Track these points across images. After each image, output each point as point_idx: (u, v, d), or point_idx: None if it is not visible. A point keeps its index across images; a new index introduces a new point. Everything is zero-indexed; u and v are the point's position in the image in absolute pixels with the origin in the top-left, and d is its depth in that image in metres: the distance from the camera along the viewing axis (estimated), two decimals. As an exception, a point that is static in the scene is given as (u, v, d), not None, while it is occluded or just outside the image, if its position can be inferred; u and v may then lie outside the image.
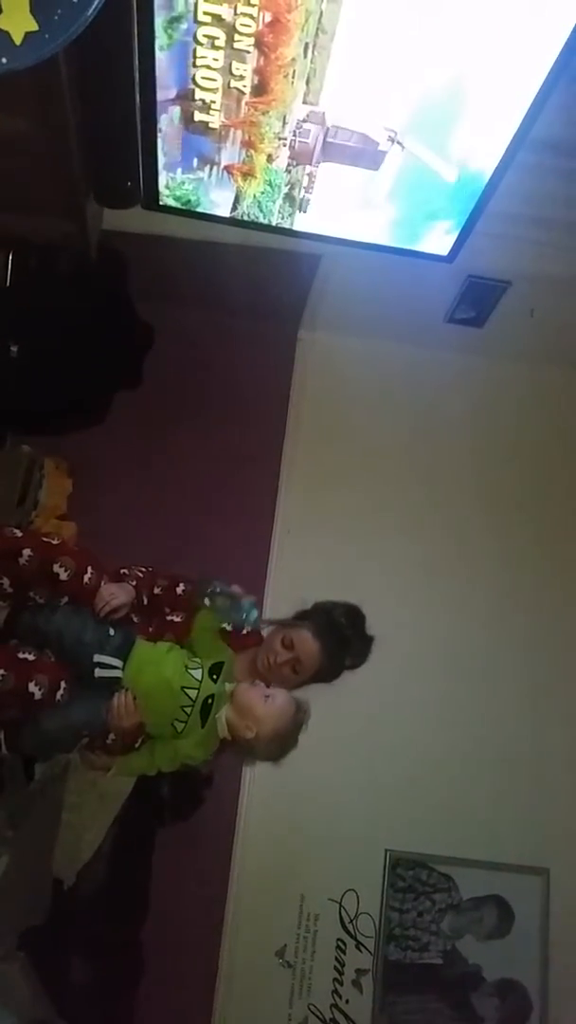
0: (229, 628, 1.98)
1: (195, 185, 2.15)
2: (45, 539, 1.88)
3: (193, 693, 1.81)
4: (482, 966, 3.11)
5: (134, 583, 1.92)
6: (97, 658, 1.80)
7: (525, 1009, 3.08)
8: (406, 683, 3.20)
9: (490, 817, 3.19)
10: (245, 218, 2.27)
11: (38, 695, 1.69)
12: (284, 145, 2.02)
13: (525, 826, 3.20)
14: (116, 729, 1.80)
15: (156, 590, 1.97)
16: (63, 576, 1.81)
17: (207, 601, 1.90)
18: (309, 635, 1.97)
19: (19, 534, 1.88)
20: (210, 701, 1.81)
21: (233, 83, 1.84)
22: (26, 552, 1.79)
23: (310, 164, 2.08)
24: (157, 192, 2.15)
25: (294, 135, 1.99)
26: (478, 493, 3.50)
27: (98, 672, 1.80)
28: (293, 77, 1.82)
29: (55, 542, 1.88)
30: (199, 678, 1.83)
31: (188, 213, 2.24)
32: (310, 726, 1.89)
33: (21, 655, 1.73)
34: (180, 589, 2.00)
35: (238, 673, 1.94)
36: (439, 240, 2.38)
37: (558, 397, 3.62)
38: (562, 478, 3.56)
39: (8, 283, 2.43)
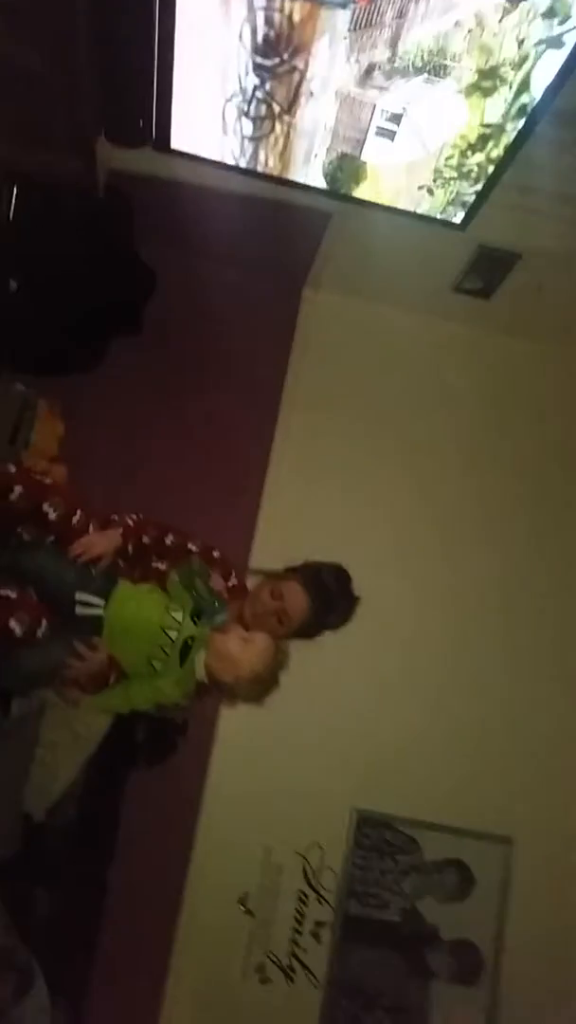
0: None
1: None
2: (37, 478, 1.89)
3: (173, 634, 1.83)
4: (439, 926, 3.19)
5: (121, 530, 1.92)
6: (79, 596, 1.82)
7: (477, 968, 3.16)
8: (384, 646, 3.23)
9: (459, 783, 3.24)
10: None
11: (18, 632, 1.71)
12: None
13: (493, 795, 3.25)
14: (83, 673, 1.82)
15: (144, 539, 1.98)
16: (52, 516, 1.82)
17: (191, 582, 1.91)
18: (299, 587, 1.99)
19: (12, 470, 1.88)
20: (190, 642, 1.83)
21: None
22: (17, 489, 1.80)
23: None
24: (169, 133, 2.12)
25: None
26: (474, 465, 3.50)
27: (79, 610, 1.82)
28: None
29: (47, 481, 1.89)
30: (180, 619, 1.85)
31: (199, 158, 2.21)
32: (287, 682, 1.91)
33: (2, 592, 1.74)
34: (169, 540, 2.01)
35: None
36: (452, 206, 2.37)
37: (559, 374, 3.60)
38: (559, 453, 3.56)
39: (11, 217, 2.39)
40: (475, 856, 3.23)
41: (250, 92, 2.10)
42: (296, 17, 1.90)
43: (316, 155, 2.32)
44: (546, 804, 3.27)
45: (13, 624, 1.70)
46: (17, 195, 2.32)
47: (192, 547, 2.02)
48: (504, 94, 2.07)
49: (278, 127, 2.22)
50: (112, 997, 2.78)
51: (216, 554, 2.08)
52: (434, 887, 3.22)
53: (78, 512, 1.87)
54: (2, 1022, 2.06)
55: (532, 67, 1.97)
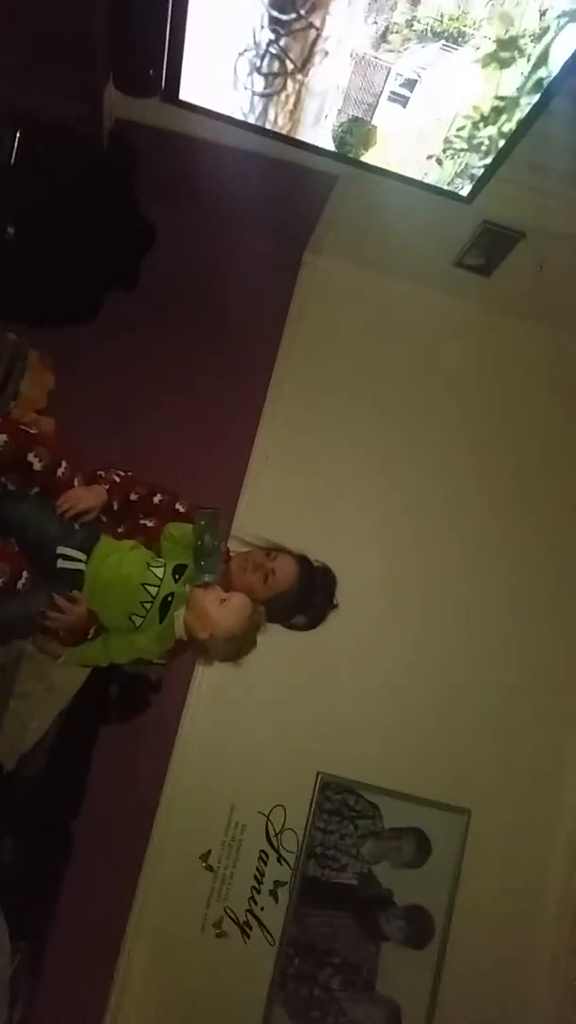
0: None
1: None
2: (23, 427, 1.87)
3: (153, 590, 1.84)
4: (394, 891, 3.26)
5: (107, 487, 1.91)
6: (60, 550, 1.82)
7: (428, 932, 3.25)
8: (357, 618, 3.22)
9: (422, 754, 3.30)
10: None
11: None
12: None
13: (454, 767, 3.32)
14: (62, 625, 1.82)
15: (133, 496, 1.98)
16: (37, 466, 1.81)
17: (202, 533, 1.90)
18: (293, 561, 2.01)
19: None
20: (170, 599, 1.84)
21: None
22: (2, 437, 1.78)
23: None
24: (179, 84, 2.06)
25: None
26: (467, 440, 3.51)
27: (60, 563, 1.82)
28: None
29: (33, 431, 1.87)
30: (160, 576, 1.85)
31: (207, 111, 2.16)
32: (262, 647, 1.92)
33: None
34: (157, 498, 2.01)
35: None
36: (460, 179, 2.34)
37: (556, 355, 3.60)
38: (549, 436, 3.57)
39: (12, 161, 2.33)
40: (433, 825, 3.30)
41: (264, 47, 2.05)
42: (316, -29, 1.85)
43: (326, 116, 2.27)
44: (505, 779, 3.34)
45: None
46: (19, 140, 2.26)
47: (180, 507, 2.02)
48: (521, 66, 2.03)
49: (290, 85, 2.17)
50: (72, 943, 2.83)
51: None
52: (391, 853, 3.28)
53: (63, 464, 1.86)
54: None
55: (552, 40, 1.93)
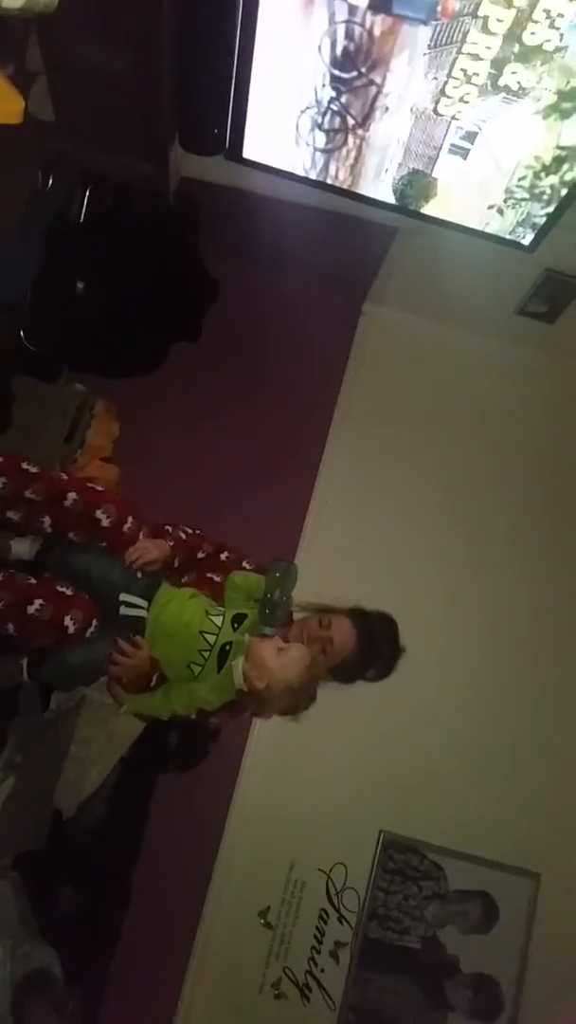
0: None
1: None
2: (90, 484, 1.90)
3: (212, 638, 1.83)
4: (460, 957, 3.13)
5: (172, 543, 1.93)
6: (123, 597, 1.83)
7: (497, 1005, 3.10)
8: (423, 672, 3.16)
9: (490, 815, 3.19)
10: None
11: (71, 629, 1.72)
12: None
13: (524, 829, 3.19)
14: (126, 670, 1.82)
15: (200, 554, 2.00)
16: (104, 522, 1.83)
17: (273, 585, 1.89)
18: (348, 622, 1.99)
19: (65, 477, 1.89)
20: (228, 648, 1.83)
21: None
22: (71, 495, 1.81)
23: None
24: (243, 143, 2.13)
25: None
26: (530, 492, 3.45)
27: (123, 611, 1.83)
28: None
29: (100, 488, 1.89)
30: (219, 624, 1.85)
31: (270, 168, 2.22)
32: (323, 700, 1.89)
33: (60, 588, 1.76)
34: (224, 556, 2.03)
35: None
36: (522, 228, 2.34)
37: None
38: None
39: (82, 219, 2.43)
40: (501, 889, 3.18)
41: (325, 104, 2.11)
42: (377, 32, 1.90)
43: (387, 170, 2.32)
44: (578, 843, 3.19)
45: (68, 622, 1.71)
46: (88, 198, 2.36)
47: (246, 565, 2.03)
48: (583, 116, 2.04)
49: (351, 140, 2.22)
50: (128, 998, 2.77)
51: None
52: (457, 917, 3.16)
53: (129, 519, 1.88)
54: None
55: (614, 90, 1.94)
